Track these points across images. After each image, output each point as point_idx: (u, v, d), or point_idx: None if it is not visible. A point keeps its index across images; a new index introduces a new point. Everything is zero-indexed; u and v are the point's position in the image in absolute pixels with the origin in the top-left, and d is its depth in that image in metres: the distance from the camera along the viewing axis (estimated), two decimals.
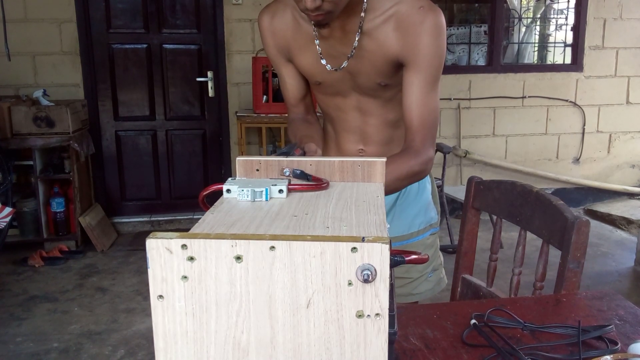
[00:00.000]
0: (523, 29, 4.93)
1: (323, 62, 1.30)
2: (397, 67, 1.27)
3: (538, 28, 5.08)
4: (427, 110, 1.24)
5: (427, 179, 1.49)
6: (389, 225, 0.66)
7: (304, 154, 1.09)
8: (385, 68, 1.27)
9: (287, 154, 0.88)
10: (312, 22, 1.22)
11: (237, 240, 0.53)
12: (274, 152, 4.12)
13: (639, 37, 4.61)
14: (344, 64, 1.28)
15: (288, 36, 1.34)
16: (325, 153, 1.49)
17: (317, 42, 1.29)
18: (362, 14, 1.22)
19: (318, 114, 1.54)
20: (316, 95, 1.45)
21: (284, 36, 1.34)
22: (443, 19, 1.22)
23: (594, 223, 4.15)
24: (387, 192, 1.10)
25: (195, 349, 0.55)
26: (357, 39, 1.24)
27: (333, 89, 1.36)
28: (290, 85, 1.43)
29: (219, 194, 0.75)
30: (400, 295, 1.47)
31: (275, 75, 3.82)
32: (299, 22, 1.31)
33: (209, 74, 4.18)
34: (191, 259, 0.53)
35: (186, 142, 4.30)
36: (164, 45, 4.13)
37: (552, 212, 1.19)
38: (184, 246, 0.53)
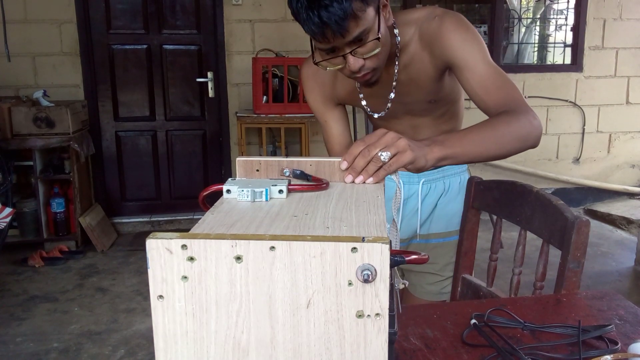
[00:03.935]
0: (523, 29, 4.93)
1: (370, 112, 1.38)
2: (441, 79, 1.30)
3: (538, 28, 5.08)
4: (498, 85, 1.19)
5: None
6: (388, 226, 0.66)
7: None
8: (431, 86, 1.31)
9: None
10: (361, 83, 1.25)
11: (237, 241, 0.53)
12: (274, 153, 4.13)
13: (638, 37, 4.61)
14: (388, 105, 1.34)
15: (335, 84, 1.39)
16: None
17: (361, 95, 1.36)
18: (397, 54, 1.26)
19: None
20: (369, 118, 1.52)
21: (330, 85, 1.39)
22: (460, 16, 1.24)
23: (594, 223, 4.15)
24: (486, 158, 1.05)
25: (195, 348, 0.55)
26: (395, 78, 1.29)
27: (387, 116, 1.41)
28: (337, 131, 1.46)
29: (218, 194, 0.75)
30: (429, 292, 1.54)
31: (275, 75, 3.82)
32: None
33: (209, 74, 4.18)
34: (191, 259, 0.53)
35: (186, 142, 4.30)
36: (164, 46, 4.13)
37: (552, 212, 1.19)
38: (184, 246, 0.53)
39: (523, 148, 1.12)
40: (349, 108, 1.53)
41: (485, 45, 1.22)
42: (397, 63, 1.27)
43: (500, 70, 1.21)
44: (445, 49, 1.21)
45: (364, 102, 1.37)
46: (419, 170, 0.92)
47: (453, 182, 1.51)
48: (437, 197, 1.51)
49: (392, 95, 1.32)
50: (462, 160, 1.02)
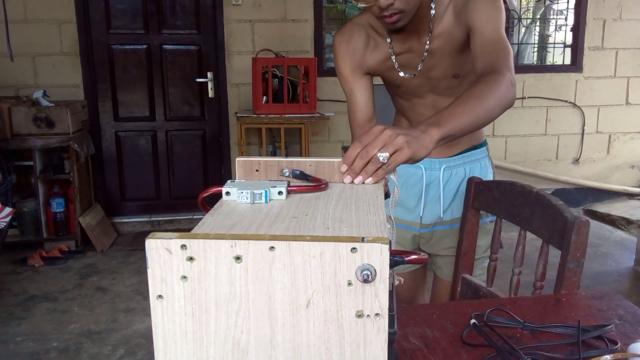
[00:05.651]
0: (523, 30, 4.93)
1: (401, 74, 1.42)
2: (465, 51, 1.34)
3: (538, 29, 5.08)
4: (494, 49, 1.20)
5: (489, 167, 1.58)
6: (389, 226, 0.66)
7: None
8: (457, 57, 1.36)
9: None
10: (387, 27, 1.31)
11: (236, 241, 0.53)
12: (273, 153, 4.13)
13: (638, 37, 4.61)
14: (420, 67, 1.38)
15: (366, 53, 1.45)
16: None
17: (393, 57, 1.41)
18: (431, 24, 1.32)
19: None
20: (393, 99, 1.56)
21: (361, 54, 1.45)
22: None
23: (593, 223, 4.15)
24: (476, 128, 1.06)
25: (194, 348, 0.55)
26: (427, 42, 1.34)
27: (411, 92, 1.47)
28: (361, 100, 1.49)
29: (217, 195, 0.75)
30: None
31: (275, 75, 3.82)
32: (375, 39, 1.43)
33: (209, 74, 4.18)
34: (191, 259, 0.53)
35: (186, 142, 4.30)
36: (163, 46, 4.13)
37: (551, 212, 1.19)
38: (183, 246, 0.53)
39: (503, 111, 1.15)
40: None
41: (504, 19, 1.27)
42: (430, 31, 1.33)
43: (505, 40, 1.23)
44: (469, 12, 1.26)
45: (396, 65, 1.41)
46: (418, 161, 0.91)
47: (474, 168, 1.54)
48: (459, 182, 1.54)
49: (425, 54, 1.36)
50: (457, 136, 1.01)
